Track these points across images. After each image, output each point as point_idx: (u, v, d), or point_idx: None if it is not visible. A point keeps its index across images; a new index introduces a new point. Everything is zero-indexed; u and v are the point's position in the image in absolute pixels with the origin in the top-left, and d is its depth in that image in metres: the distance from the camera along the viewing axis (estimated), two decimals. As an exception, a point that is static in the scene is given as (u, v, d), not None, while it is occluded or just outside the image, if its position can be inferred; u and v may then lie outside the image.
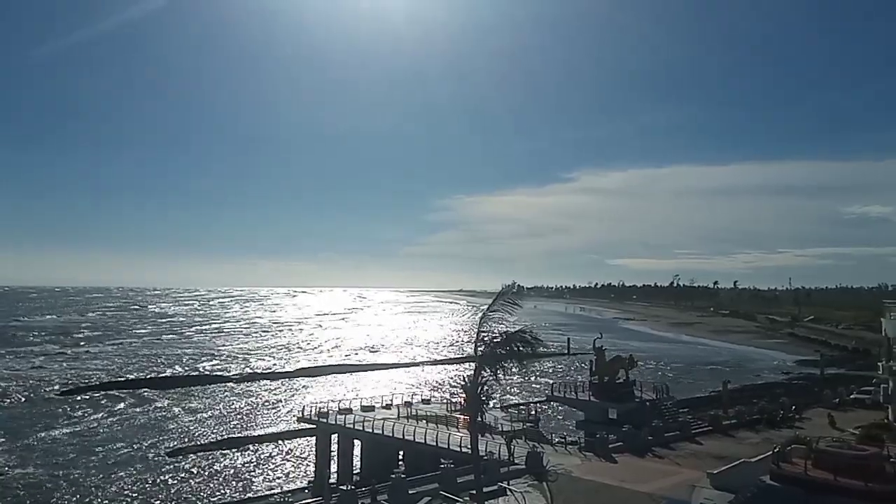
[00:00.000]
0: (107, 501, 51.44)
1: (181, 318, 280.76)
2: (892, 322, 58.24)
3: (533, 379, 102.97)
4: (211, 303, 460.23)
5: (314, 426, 59.04)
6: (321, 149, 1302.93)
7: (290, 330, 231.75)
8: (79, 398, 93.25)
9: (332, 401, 63.87)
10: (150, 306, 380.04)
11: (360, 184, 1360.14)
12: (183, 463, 61.83)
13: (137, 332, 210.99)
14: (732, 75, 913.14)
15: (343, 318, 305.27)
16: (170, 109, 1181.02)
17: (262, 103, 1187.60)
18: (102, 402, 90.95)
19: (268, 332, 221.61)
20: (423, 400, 67.29)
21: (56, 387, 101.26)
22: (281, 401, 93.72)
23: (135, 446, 67.94)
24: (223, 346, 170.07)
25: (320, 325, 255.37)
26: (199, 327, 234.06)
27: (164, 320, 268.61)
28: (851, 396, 68.34)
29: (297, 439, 68.18)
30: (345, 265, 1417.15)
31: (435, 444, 45.99)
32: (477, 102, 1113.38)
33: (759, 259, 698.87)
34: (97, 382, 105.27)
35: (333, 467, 56.29)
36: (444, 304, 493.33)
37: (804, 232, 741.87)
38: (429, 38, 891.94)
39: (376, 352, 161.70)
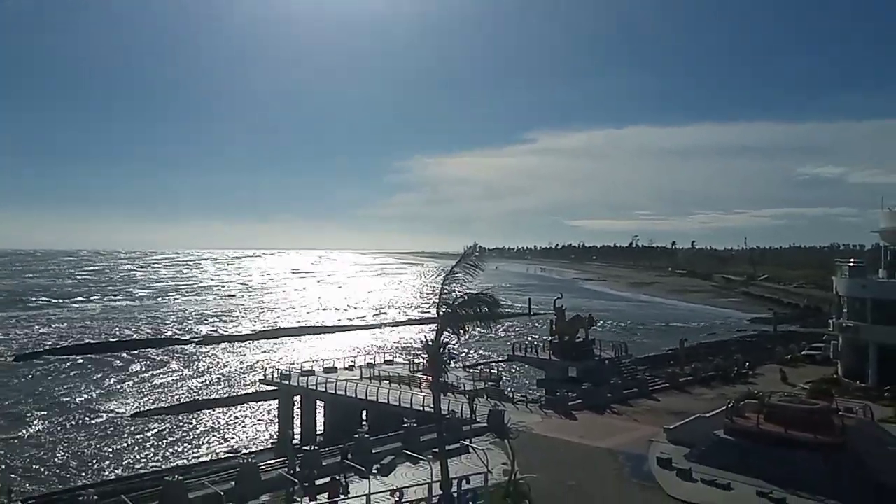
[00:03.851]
0: (68, 465, 50.95)
1: (163, 282, 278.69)
2: (843, 280, 59.84)
3: (494, 339, 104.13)
4: (188, 265, 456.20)
5: (277, 388, 58.95)
6: (278, 111, 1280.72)
7: (260, 292, 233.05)
8: (36, 362, 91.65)
9: (295, 363, 63.73)
10: (133, 270, 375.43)
11: (318, 145, 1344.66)
12: (145, 426, 61.36)
13: (118, 293, 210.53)
14: (690, 39, 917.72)
15: (307, 280, 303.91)
16: (129, 71, 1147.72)
17: (221, 67, 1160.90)
18: (63, 365, 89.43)
19: (239, 294, 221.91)
20: (385, 361, 67.52)
21: (14, 351, 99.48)
22: (243, 363, 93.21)
23: (96, 409, 67.17)
24: (191, 309, 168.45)
25: (286, 288, 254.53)
26: (177, 291, 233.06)
27: (143, 283, 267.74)
28: (803, 353, 70.45)
29: (260, 401, 67.99)
30: (304, 227, 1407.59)
31: (398, 403, 46.28)
32: (436, 63, 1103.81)
33: (716, 219, 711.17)
34: (59, 346, 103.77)
35: (297, 428, 56.40)
36: (407, 266, 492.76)
37: (759, 193, 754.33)
38: (390, 1, 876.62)
39: (339, 313, 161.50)
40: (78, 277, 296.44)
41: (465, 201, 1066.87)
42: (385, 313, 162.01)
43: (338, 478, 30.20)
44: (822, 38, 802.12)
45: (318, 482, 30.57)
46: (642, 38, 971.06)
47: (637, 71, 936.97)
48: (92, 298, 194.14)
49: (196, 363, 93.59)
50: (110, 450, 54.62)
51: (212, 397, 72.71)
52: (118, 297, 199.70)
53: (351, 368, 62.30)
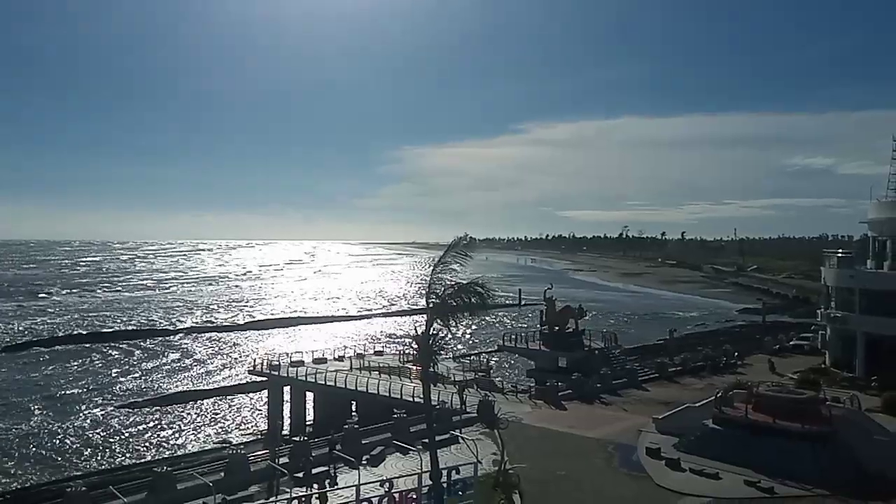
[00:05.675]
0: (57, 456, 50.68)
1: (163, 272, 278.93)
2: (831, 271, 60.10)
3: (484, 329, 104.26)
4: (185, 255, 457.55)
5: (266, 379, 58.78)
6: (269, 102, 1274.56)
7: (260, 282, 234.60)
8: (26, 353, 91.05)
9: (284, 353, 63.49)
10: (133, 260, 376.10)
11: (309, 136, 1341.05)
12: (134, 417, 61.12)
13: (121, 283, 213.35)
14: (682, 31, 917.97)
15: (305, 271, 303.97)
16: (120, 63, 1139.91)
17: (212, 58, 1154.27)
18: (56, 356, 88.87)
19: (239, 284, 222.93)
20: (375, 351, 67.41)
21: (4, 342, 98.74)
22: (233, 354, 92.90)
23: (84, 401, 66.76)
24: (191, 298, 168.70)
25: (284, 278, 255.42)
26: (177, 280, 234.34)
27: (144, 273, 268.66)
28: (791, 343, 70.81)
29: (250, 392, 67.79)
30: (294, 218, 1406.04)
31: (388, 394, 46.21)
32: (427, 54, 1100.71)
33: (706, 210, 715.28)
34: (52, 337, 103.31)
35: (286, 419, 56.29)
36: (399, 257, 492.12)
37: (749, 183, 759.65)
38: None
39: (337, 303, 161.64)
40: (78, 268, 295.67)
41: (455, 192, 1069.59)
42: (374, 303, 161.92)
43: (327, 468, 30.14)
44: (813, 31, 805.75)
45: (312, 472, 30.55)
46: (633, 30, 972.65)
47: (628, 62, 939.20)
48: (98, 288, 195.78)
49: (188, 353, 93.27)
50: (99, 441, 54.33)
51: (202, 388, 72.49)
52: (119, 288, 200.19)
53: (341, 359, 62.17)
